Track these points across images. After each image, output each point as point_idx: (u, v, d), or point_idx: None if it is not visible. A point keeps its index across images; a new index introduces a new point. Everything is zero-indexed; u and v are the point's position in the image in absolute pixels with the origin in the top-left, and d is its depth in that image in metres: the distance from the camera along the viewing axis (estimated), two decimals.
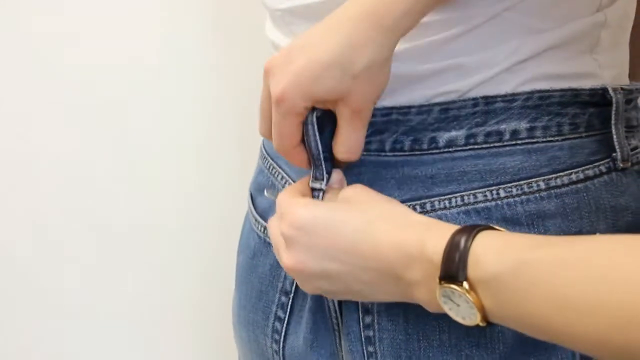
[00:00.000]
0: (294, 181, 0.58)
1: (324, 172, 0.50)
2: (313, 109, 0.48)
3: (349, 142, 0.49)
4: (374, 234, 0.44)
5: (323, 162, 0.50)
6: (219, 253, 0.93)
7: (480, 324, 0.40)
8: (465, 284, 0.39)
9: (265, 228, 0.60)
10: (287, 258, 0.48)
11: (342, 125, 0.48)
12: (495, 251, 0.39)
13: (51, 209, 1.01)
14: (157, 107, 1.01)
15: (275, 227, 0.51)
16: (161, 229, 1.05)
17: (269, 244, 0.59)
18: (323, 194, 0.51)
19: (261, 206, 0.63)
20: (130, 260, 1.05)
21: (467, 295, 0.39)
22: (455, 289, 0.39)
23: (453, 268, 0.39)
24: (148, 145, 1.02)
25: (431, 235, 0.42)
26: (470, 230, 0.40)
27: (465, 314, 0.41)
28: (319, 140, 0.49)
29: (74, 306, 1.04)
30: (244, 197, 0.67)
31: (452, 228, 0.42)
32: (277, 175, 0.61)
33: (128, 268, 1.05)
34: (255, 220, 0.63)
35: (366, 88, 0.46)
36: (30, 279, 1.02)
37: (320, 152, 0.49)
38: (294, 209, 0.48)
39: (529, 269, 0.37)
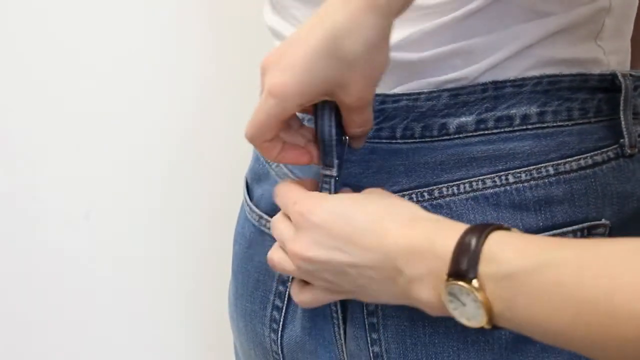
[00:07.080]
0: (288, 169, 0.58)
1: (334, 158, 0.49)
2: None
3: (360, 122, 0.47)
4: (381, 228, 0.44)
5: (334, 147, 0.48)
6: (215, 241, 0.92)
7: (486, 326, 0.39)
8: (474, 282, 0.38)
9: (260, 217, 0.60)
10: (296, 245, 0.47)
11: (347, 112, 0.46)
12: (514, 249, 0.38)
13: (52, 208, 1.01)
14: (154, 99, 1.00)
15: (280, 220, 0.50)
16: (156, 219, 1.05)
17: (265, 233, 0.59)
18: (335, 181, 0.49)
19: (256, 195, 0.62)
20: (123, 253, 1.04)
21: (476, 293, 0.38)
22: (463, 286, 0.38)
23: (464, 264, 0.38)
24: (144, 139, 1.02)
25: (441, 231, 0.41)
26: (483, 229, 0.39)
27: (470, 315, 0.39)
28: (333, 126, 0.47)
29: (72, 305, 1.04)
30: (240, 185, 0.66)
31: (463, 226, 0.41)
32: (272, 163, 0.60)
33: (122, 261, 1.05)
34: (250, 209, 0.62)
35: (367, 72, 0.44)
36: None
37: (333, 137, 0.48)
38: (307, 197, 0.48)
39: (554, 269, 0.35)
